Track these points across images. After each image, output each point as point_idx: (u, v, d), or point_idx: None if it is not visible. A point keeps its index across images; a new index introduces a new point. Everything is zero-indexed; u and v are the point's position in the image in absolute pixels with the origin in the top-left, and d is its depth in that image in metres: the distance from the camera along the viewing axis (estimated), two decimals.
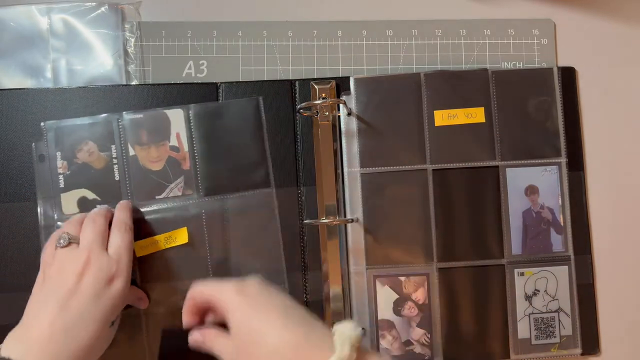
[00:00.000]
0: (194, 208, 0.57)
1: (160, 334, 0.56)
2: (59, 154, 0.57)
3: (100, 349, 0.49)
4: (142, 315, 0.56)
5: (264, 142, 0.59)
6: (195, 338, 0.47)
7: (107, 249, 0.50)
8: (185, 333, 0.48)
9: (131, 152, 0.58)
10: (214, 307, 0.45)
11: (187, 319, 0.48)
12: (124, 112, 0.58)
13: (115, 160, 0.57)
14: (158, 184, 0.58)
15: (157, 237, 0.57)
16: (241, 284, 0.44)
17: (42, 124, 0.57)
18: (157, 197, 0.57)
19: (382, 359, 0.45)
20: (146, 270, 0.57)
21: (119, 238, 0.51)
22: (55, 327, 0.45)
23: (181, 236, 0.57)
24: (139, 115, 0.58)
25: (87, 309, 0.47)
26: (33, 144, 0.57)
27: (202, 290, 0.46)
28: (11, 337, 0.46)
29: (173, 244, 0.57)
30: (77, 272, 0.47)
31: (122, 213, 0.54)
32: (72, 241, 0.50)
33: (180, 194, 0.58)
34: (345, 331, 0.40)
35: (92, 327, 0.46)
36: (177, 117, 0.58)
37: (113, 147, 0.58)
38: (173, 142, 0.58)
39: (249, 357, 0.41)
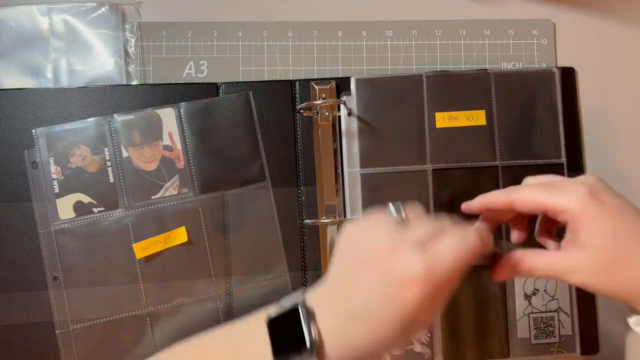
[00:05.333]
0: (191, 206, 0.57)
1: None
2: (51, 159, 0.57)
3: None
4: (146, 317, 0.56)
5: (257, 137, 0.59)
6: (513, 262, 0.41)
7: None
8: None
9: (124, 153, 0.58)
10: (545, 214, 0.40)
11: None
12: (114, 114, 0.58)
13: (109, 163, 0.57)
14: (153, 184, 0.58)
15: (156, 238, 0.57)
16: (594, 189, 0.38)
17: (33, 130, 0.57)
18: (153, 197, 0.57)
19: None
20: (147, 271, 0.57)
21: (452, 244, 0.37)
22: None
23: (180, 235, 0.57)
24: (130, 117, 0.58)
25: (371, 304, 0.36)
26: (25, 151, 0.57)
27: (533, 198, 0.39)
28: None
29: (173, 244, 0.57)
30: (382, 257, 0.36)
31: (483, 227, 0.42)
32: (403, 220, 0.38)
33: (176, 192, 0.57)
34: None
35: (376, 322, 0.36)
36: (168, 116, 0.58)
37: (106, 149, 0.57)
38: (166, 141, 0.58)
39: (624, 268, 0.37)
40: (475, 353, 0.58)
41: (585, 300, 0.59)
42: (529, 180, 0.43)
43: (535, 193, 0.40)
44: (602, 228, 0.37)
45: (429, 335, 0.58)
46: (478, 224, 0.40)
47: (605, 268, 0.37)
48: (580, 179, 0.40)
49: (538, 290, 0.59)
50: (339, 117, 0.59)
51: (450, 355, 0.58)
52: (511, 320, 0.58)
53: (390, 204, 0.39)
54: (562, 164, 0.60)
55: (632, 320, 0.38)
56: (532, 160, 0.60)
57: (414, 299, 0.34)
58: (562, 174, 0.59)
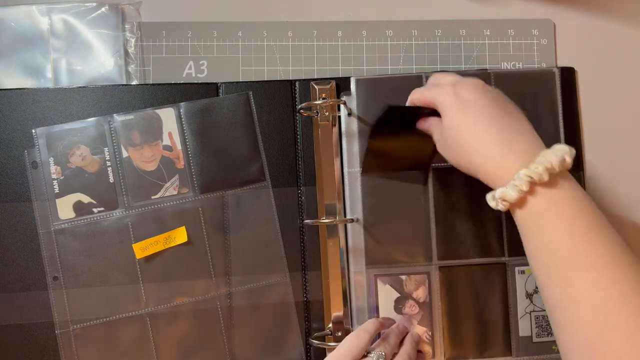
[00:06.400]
0: (191, 206, 0.57)
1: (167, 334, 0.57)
2: (51, 159, 0.57)
3: None
4: (146, 317, 0.56)
5: (257, 137, 0.59)
6: (421, 124, 0.53)
7: None
8: None
9: (124, 153, 0.57)
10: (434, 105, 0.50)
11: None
12: (114, 114, 0.58)
13: (108, 163, 0.57)
14: (153, 184, 0.57)
15: (156, 238, 0.57)
16: (458, 85, 0.48)
17: (32, 130, 0.57)
18: (153, 197, 0.57)
19: (576, 190, 0.43)
20: (147, 271, 0.57)
21: None
22: None
23: (180, 235, 0.57)
24: (130, 117, 0.58)
25: None
26: (25, 151, 0.57)
27: (423, 94, 0.51)
28: None
29: (173, 244, 0.57)
30: None
31: (410, 347, 0.55)
32: None
33: (175, 192, 0.57)
34: (548, 154, 0.43)
35: None
36: (168, 116, 0.58)
37: (106, 149, 0.57)
38: (166, 141, 0.58)
39: (453, 151, 0.48)
40: (476, 351, 0.58)
41: None
42: (430, 79, 0.53)
43: (423, 91, 0.51)
44: (450, 113, 0.47)
45: (430, 333, 0.58)
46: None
47: (448, 143, 0.48)
48: (454, 78, 0.50)
49: None
50: (339, 117, 0.59)
51: (451, 354, 0.58)
52: (513, 319, 0.58)
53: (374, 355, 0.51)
54: None
55: (488, 197, 0.46)
56: None
57: None
58: None
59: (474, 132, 0.46)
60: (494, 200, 0.45)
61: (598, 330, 0.38)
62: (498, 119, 0.46)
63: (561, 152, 0.43)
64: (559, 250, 0.41)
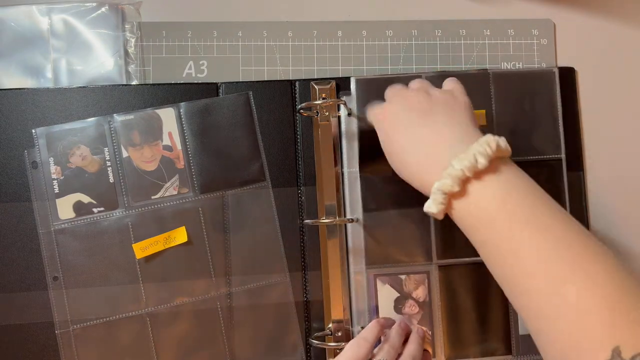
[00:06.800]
0: (191, 206, 0.57)
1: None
2: (51, 159, 0.57)
3: None
4: (146, 317, 0.56)
5: (257, 137, 0.59)
6: None
7: None
8: None
9: (124, 153, 0.57)
10: None
11: None
12: (114, 114, 0.58)
13: (108, 163, 0.57)
14: (153, 184, 0.57)
15: (156, 238, 0.57)
16: (385, 104, 0.50)
17: (32, 130, 0.57)
18: (153, 197, 0.57)
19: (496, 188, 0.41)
20: (147, 271, 0.57)
21: None
22: None
23: (180, 235, 0.57)
24: (130, 117, 0.58)
25: None
26: (25, 151, 0.57)
27: (367, 119, 0.53)
28: None
29: (173, 244, 0.57)
30: None
31: (415, 345, 0.54)
32: None
33: (175, 192, 0.57)
34: (456, 162, 0.40)
35: None
36: (168, 116, 0.58)
37: (106, 149, 0.57)
38: (166, 141, 0.58)
39: (392, 165, 0.48)
40: (477, 350, 0.58)
41: None
42: None
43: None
44: (379, 132, 0.49)
45: (430, 333, 0.58)
46: None
47: (387, 157, 0.49)
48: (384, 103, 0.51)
49: None
50: (339, 117, 0.59)
51: (452, 353, 0.58)
52: (513, 317, 0.58)
53: None
54: (563, 163, 0.60)
55: (425, 207, 0.43)
56: (531, 157, 0.60)
57: None
58: (561, 171, 0.60)
59: (397, 150, 0.47)
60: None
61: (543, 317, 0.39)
62: (415, 130, 0.46)
63: (470, 155, 0.40)
64: (486, 249, 0.42)
